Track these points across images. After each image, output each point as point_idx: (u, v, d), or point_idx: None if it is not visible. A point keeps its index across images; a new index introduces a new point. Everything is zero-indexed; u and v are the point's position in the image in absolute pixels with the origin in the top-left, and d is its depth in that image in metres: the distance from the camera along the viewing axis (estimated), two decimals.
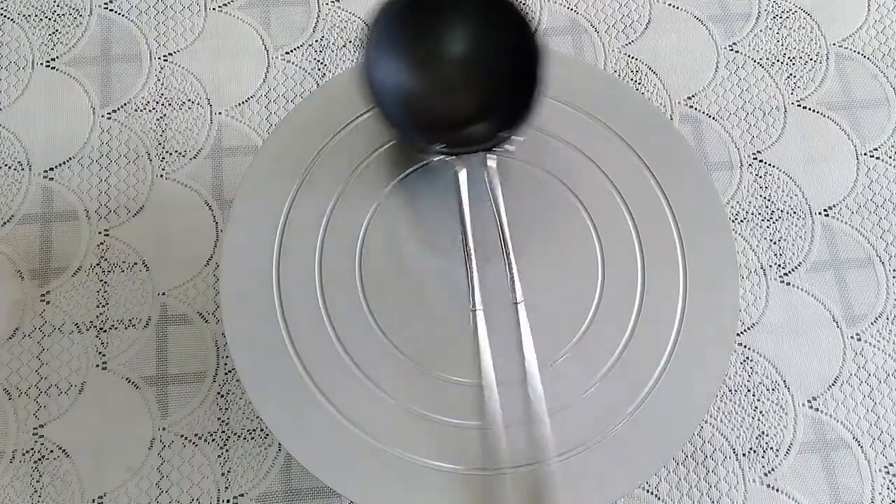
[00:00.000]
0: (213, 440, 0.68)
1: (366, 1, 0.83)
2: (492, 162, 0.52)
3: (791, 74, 0.82)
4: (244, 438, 0.68)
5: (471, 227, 0.51)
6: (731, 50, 0.83)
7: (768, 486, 0.69)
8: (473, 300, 0.49)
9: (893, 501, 0.68)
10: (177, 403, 0.69)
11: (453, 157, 0.53)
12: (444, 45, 0.55)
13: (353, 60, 0.81)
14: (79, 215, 0.75)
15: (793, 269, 0.75)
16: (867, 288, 0.75)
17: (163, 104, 0.79)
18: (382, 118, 0.52)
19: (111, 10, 0.82)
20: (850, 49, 0.83)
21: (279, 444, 0.68)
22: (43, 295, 0.72)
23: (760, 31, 0.84)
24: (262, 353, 0.50)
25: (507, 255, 0.50)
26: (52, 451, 0.68)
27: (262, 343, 0.51)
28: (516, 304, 0.49)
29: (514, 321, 0.50)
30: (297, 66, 0.81)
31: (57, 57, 0.80)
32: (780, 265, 0.75)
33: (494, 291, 0.50)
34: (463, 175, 0.52)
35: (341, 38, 0.82)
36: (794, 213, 0.77)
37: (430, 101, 0.55)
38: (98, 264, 0.73)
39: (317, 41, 0.82)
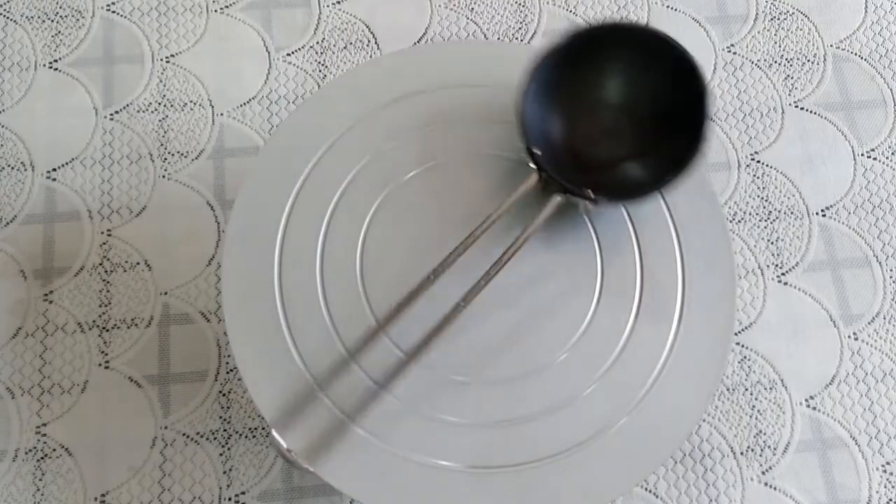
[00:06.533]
0: (215, 438, 0.69)
1: (367, 2, 0.84)
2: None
3: (789, 76, 0.82)
4: (246, 437, 0.69)
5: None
6: (729, 51, 0.83)
7: (766, 484, 0.69)
8: None
9: (891, 500, 0.69)
10: (179, 402, 0.69)
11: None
12: (603, 90, 0.54)
13: (353, 62, 0.81)
14: (81, 215, 0.75)
15: (790, 269, 0.75)
16: (864, 288, 0.75)
17: (165, 105, 0.79)
18: (538, 162, 0.51)
19: (113, 11, 0.82)
20: (848, 50, 0.84)
21: None
22: (46, 294, 0.72)
23: (758, 32, 0.84)
24: (263, 352, 0.50)
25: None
26: (54, 450, 0.68)
27: (263, 342, 0.51)
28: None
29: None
30: (298, 67, 0.81)
31: (60, 58, 0.81)
32: (777, 265, 0.75)
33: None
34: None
35: (342, 39, 0.82)
36: (792, 213, 0.77)
37: (585, 145, 0.53)
38: (101, 264, 0.73)
39: (318, 43, 0.82)
